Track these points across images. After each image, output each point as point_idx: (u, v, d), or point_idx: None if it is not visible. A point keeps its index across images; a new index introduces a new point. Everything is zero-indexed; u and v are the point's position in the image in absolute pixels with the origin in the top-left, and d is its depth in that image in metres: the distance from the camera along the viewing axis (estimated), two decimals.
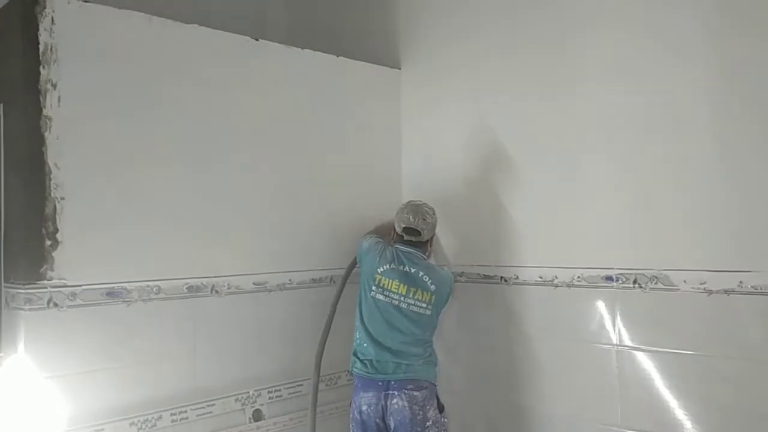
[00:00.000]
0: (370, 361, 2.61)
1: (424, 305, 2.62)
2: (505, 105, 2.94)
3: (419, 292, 2.62)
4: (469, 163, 3.08)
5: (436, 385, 2.67)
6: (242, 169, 2.75)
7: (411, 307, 2.61)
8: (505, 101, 2.93)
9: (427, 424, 2.55)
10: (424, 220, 2.69)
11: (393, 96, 3.40)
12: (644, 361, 2.44)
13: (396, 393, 2.55)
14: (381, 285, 2.64)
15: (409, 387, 2.56)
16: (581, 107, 2.66)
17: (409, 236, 2.70)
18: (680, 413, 2.34)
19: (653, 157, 2.45)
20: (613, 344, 2.53)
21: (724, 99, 2.29)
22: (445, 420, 2.64)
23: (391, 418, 2.54)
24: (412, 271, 2.64)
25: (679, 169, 2.38)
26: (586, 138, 2.65)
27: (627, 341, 2.50)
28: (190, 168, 2.58)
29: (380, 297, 2.64)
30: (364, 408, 2.58)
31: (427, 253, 2.77)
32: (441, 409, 2.63)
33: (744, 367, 2.22)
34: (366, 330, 2.65)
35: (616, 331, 2.53)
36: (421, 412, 2.54)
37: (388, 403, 2.55)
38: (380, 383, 2.57)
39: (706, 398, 2.30)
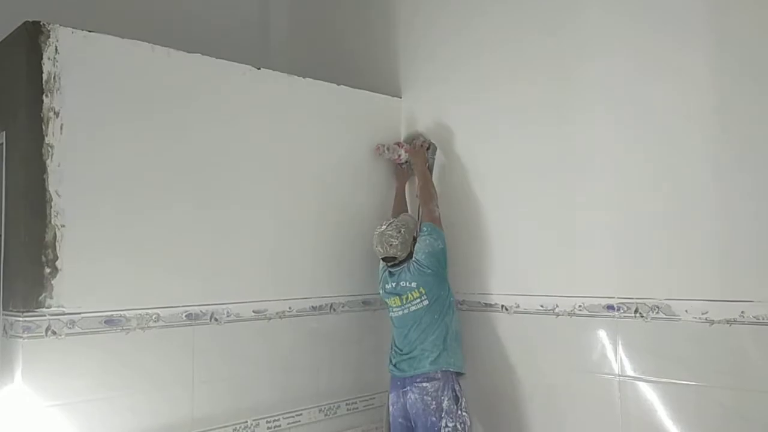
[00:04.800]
0: (394, 364, 2.85)
1: (419, 300, 2.79)
2: (505, 133, 2.95)
3: (408, 295, 2.81)
4: (470, 192, 3.08)
5: (455, 374, 2.74)
6: (243, 196, 2.75)
7: (411, 308, 2.80)
8: (506, 130, 2.95)
9: (442, 414, 2.65)
10: (391, 245, 2.85)
11: (394, 124, 3.41)
12: (646, 391, 2.42)
13: (409, 388, 2.74)
14: (388, 304, 2.92)
15: (418, 380, 2.72)
16: (583, 135, 2.67)
17: (390, 263, 2.90)
18: None
19: (654, 186, 2.45)
20: (615, 374, 2.51)
21: (724, 131, 2.29)
22: (464, 413, 2.66)
23: (411, 412, 2.73)
24: (394, 285, 2.86)
25: (680, 199, 2.39)
26: (587, 166, 2.65)
27: (629, 371, 2.48)
28: (191, 195, 2.59)
29: (392, 314, 2.90)
30: (390, 409, 2.86)
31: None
32: (456, 400, 2.68)
33: (747, 399, 2.19)
34: (393, 338, 2.93)
35: (618, 361, 2.51)
36: (433, 402, 2.67)
37: (406, 398, 2.75)
38: (398, 382, 2.80)
39: (708, 430, 2.27)
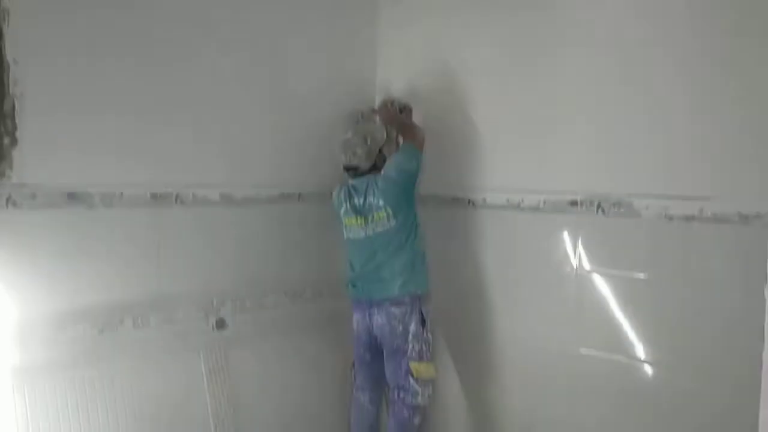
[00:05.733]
0: (355, 286, 2.84)
1: (386, 221, 2.73)
2: (480, 27, 2.90)
3: (375, 215, 2.74)
4: (442, 86, 3.04)
5: (421, 297, 2.74)
6: (210, 75, 2.67)
7: (376, 230, 2.75)
8: (481, 23, 2.89)
9: (409, 337, 2.69)
10: (355, 153, 2.79)
11: (369, 11, 3.32)
12: (601, 284, 2.50)
13: (376, 311, 2.74)
14: (347, 226, 2.84)
15: (386, 304, 2.72)
16: (554, 32, 2.64)
17: (353, 172, 2.83)
18: (632, 334, 2.42)
19: (620, 83, 2.45)
20: (573, 268, 2.58)
21: (692, 37, 2.28)
22: (429, 336, 2.73)
23: (377, 333, 2.77)
24: (361, 201, 2.78)
25: (644, 96, 2.39)
26: (555, 61, 2.64)
27: (586, 266, 2.55)
28: (156, 68, 2.50)
29: (351, 236, 2.83)
30: (355, 326, 2.88)
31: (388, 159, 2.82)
32: (423, 323, 2.71)
33: (700, 292, 2.26)
34: (350, 261, 2.88)
35: (577, 255, 2.57)
36: (400, 326, 2.69)
37: (372, 321, 2.76)
38: (363, 303, 2.80)
39: (659, 320, 2.36)
